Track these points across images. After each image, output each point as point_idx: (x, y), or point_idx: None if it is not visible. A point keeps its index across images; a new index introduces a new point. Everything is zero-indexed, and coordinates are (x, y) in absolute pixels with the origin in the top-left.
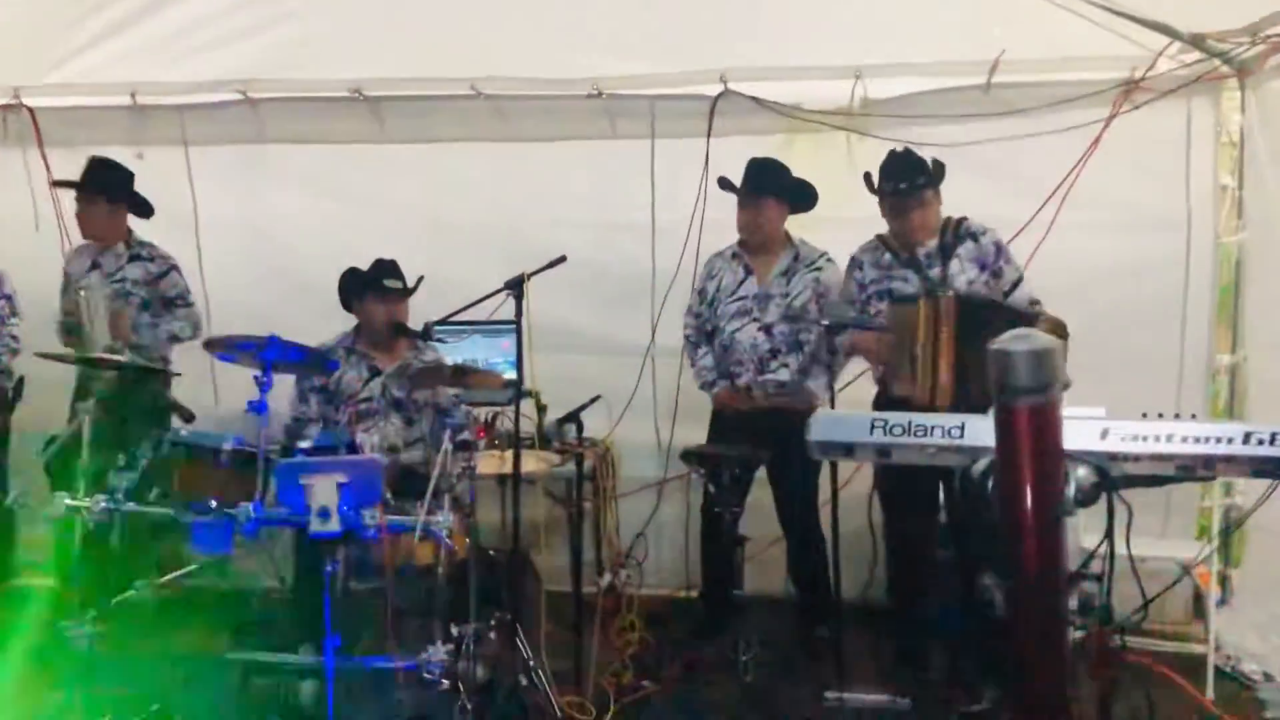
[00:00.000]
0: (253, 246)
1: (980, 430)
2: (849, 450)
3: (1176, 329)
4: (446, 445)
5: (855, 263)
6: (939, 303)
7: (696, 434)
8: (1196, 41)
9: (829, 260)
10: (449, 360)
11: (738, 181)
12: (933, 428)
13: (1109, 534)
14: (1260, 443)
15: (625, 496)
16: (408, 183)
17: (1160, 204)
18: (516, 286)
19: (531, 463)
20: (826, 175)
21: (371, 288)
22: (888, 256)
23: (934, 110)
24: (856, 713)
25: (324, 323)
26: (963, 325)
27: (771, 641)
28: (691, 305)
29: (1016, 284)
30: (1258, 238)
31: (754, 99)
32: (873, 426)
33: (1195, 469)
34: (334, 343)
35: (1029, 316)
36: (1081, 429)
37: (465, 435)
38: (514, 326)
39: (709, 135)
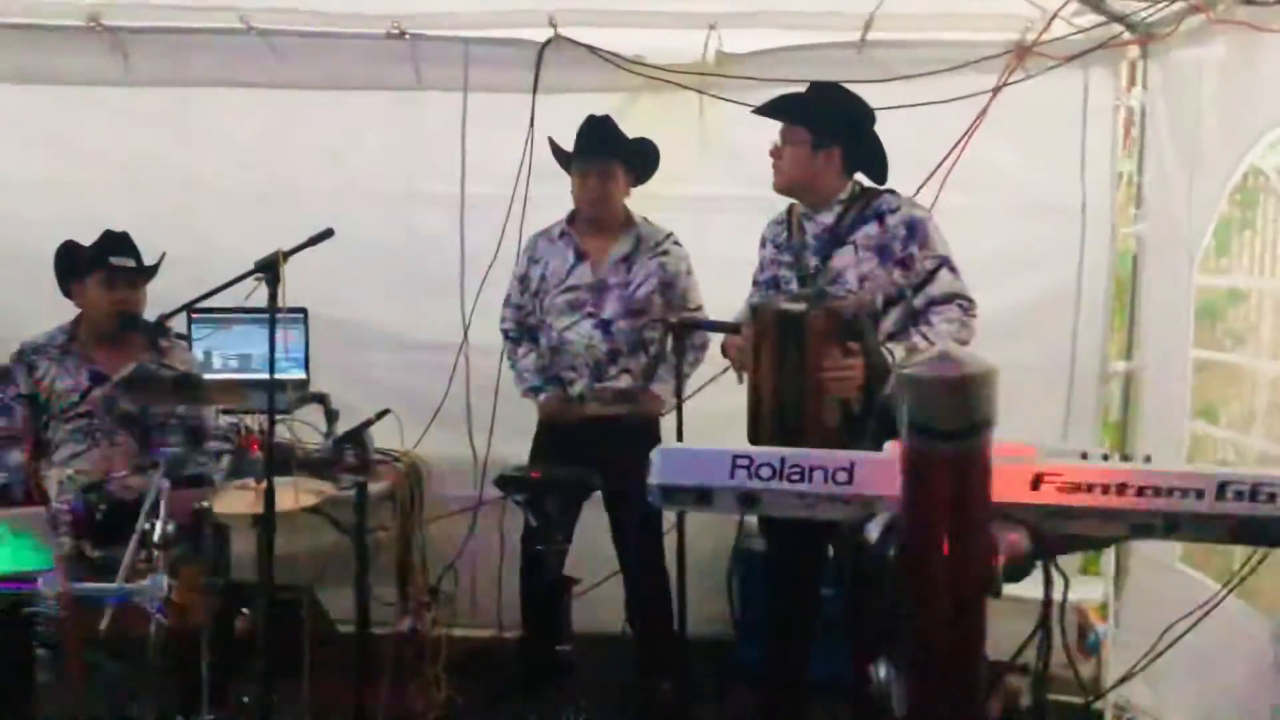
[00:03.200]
0: None
1: (875, 473)
2: (704, 497)
3: (1068, 330)
4: (159, 483)
5: (761, 240)
6: (763, 316)
7: (519, 448)
8: (1095, 1)
9: (675, 243)
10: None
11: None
12: (812, 470)
13: (1044, 618)
14: (1239, 497)
15: (433, 521)
16: (157, 136)
17: (1053, 188)
18: (269, 269)
19: (291, 498)
20: (673, 145)
21: (95, 267)
22: (785, 235)
23: (801, 72)
24: None
25: (56, 310)
26: (784, 343)
27: (605, 697)
28: (511, 295)
29: (931, 276)
30: (1156, 230)
31: (589, 48)
32: (734, 466)
33: (1154, 528)
34: (43, 340)
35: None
36: (1006, 476)
37: (196, 467)
38: (298, 316)
39: (535, 90)
